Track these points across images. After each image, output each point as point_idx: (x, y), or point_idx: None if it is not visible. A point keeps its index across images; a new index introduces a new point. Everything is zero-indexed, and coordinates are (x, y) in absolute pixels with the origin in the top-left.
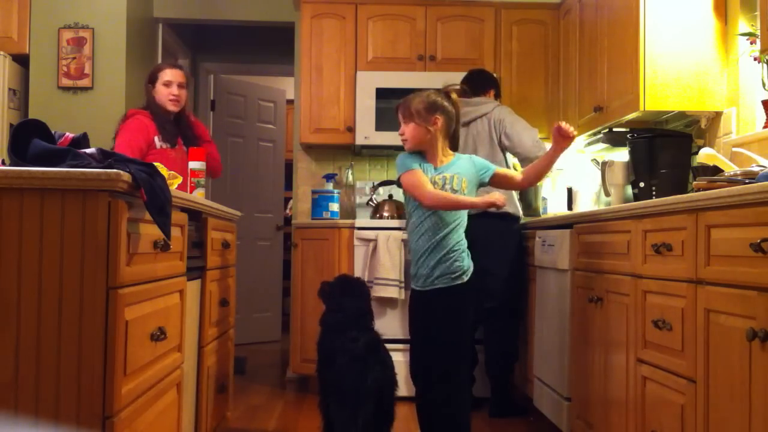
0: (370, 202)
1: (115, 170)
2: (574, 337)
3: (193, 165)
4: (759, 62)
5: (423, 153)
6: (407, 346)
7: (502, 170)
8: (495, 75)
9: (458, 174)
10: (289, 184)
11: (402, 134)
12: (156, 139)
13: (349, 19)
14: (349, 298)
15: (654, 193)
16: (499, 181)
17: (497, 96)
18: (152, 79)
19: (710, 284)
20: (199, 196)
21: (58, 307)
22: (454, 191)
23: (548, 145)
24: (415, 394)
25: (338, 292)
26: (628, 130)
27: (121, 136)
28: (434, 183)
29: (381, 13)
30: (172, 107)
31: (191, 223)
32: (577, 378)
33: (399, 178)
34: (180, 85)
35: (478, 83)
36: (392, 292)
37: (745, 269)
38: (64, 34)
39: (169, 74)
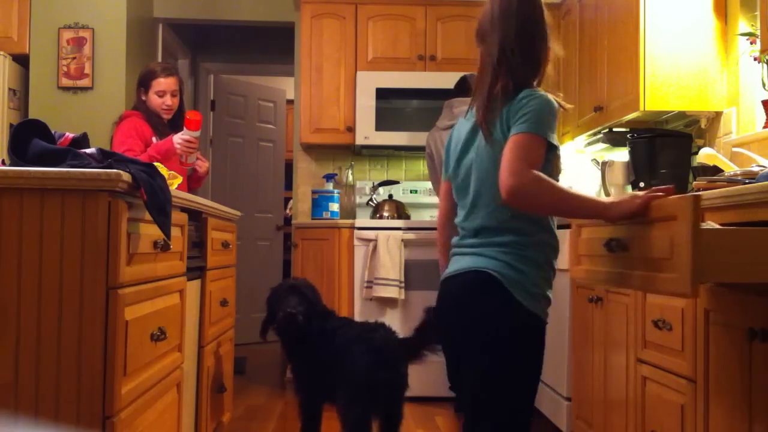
0: (370, 202)
1: (115, 170)
2: (574, 337)
3: (192, 134)
4: (759, 62)
5: None
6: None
7: None
8: None
9: None
10: (289, 184)
11: None
12: (153, 140)
13: (349, 19)
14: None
15: None
16: None
17: None
18: (144, 85)
19: (710, 284)
20: (191, 195)
21: (58, 307)
22: None
23: None
24: None
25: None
26: (628, 130)
27: (118, 138)
28: None
29: (381, 13)
30: (165, 116)
31: (191, 223)
32: (577, 378)
33: None
34: (173, 94)
35: (470, 87)
36: (392, 292)
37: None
38: (64, 34)
39: (162, 84)
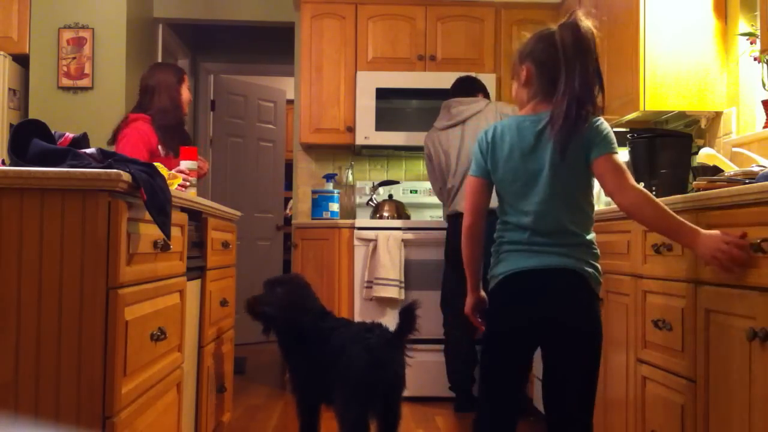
0: (370, 202)
1: (115, 170)
2: None
3: (186, 164)
4: (759, 62)
5: None
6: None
7: None
8: (481, 81)
9: None
10: (289, 184)
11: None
12: (159, 148)
13: (349, 19)
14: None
15: (654, 193)
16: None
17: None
18: (180, 81)
19: (710, 284)
20: (191, 195)
21: (58, 307)
22: None
23: None
24: None
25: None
26: (628, 130)
27: (123, 143)
28: None
29: (381, 13)
30: (186, 110)
31: (191, 223)
32: None
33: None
34: None
35: (467, 88)
36: (392, 292)
37: (745, 269)
38: (64, 34)
39: (187, 79)
